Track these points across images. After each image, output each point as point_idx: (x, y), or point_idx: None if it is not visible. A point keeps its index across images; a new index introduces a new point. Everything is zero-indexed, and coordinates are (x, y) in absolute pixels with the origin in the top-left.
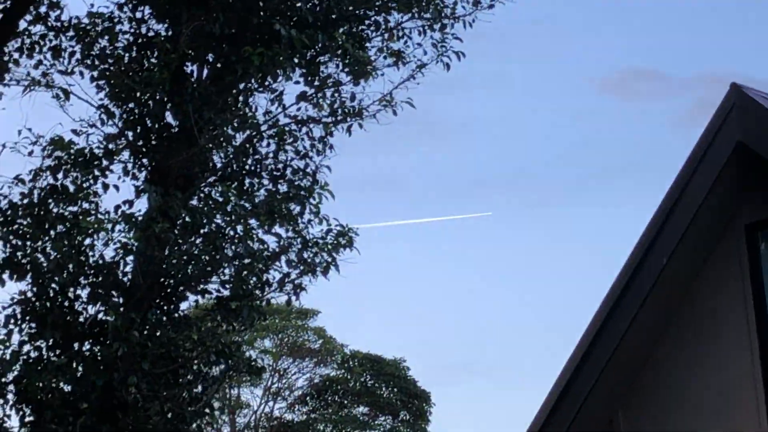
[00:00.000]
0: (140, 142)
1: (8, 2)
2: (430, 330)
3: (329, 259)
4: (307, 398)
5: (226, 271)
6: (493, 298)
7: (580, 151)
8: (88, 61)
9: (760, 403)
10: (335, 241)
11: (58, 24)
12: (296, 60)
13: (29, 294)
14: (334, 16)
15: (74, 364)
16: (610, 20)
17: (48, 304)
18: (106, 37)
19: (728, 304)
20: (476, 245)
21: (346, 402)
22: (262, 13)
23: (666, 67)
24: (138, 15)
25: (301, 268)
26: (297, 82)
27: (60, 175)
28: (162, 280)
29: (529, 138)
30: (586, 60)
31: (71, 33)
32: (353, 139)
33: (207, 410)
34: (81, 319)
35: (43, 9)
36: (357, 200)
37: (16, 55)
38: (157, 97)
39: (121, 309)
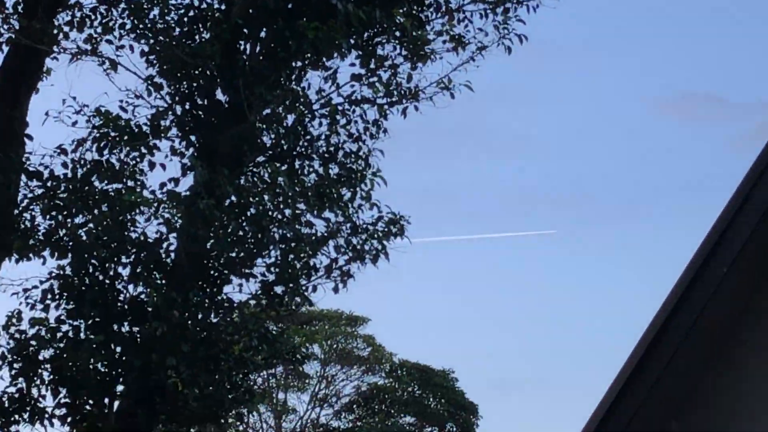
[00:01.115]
0: (188, 118)
1: None
2: (481, 344)
3: (379, 247)
4: (354, 406)
5: (272, 254)
6: (547, 315)
7: (637, 169)
8: (139, 32)
9: None
10: (386, 229)
11: None
12: (352, 40)
13: (68, 269)
14: None
15: (112, 344)
16: (668, 42)
17: (87, 280)
18: (157, 8)
19: None
20: (533, 262)
21: (393, 411)
22: None
23: (725, 92)
24: None
25: (350, 254)
26: (353, 64)
27: (105, 151)
28: (205, 261)
29: (586, 155)
30: (643, 79)
31: (123, 5)
32: (408, 150)
33: (247, 397)
34: (120, 298)
35: None
36: (414, 212)
37: (66, 29)
38: (208, 72)
39: (163, 289)
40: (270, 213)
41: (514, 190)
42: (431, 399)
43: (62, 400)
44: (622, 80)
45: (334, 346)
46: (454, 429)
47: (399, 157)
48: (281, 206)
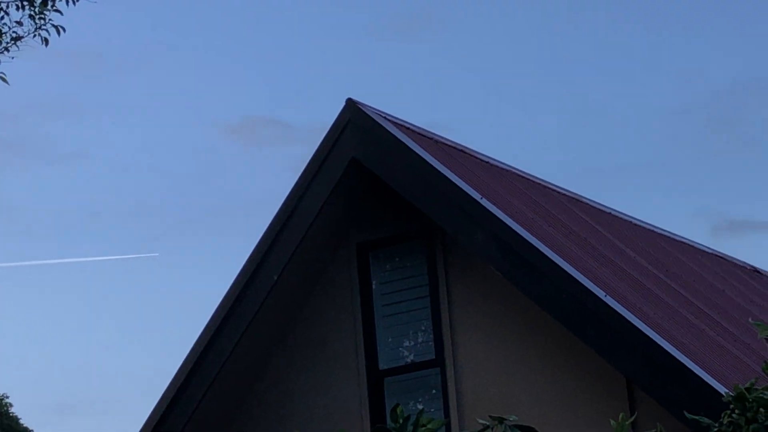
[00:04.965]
0: None
1: None
2: (37, 369)
3: None
4: None
5: None
6: (108, 338)
7: (199, 190)
8: None
9: (365, 424)
10: None
11: None
12: None
13: None
14: None
15: None
16: (232, 65)
17: None
18: None
19: (339, 324)
20: (96, 286)
21: None
22: None
23: (288, 117)
24: None
25: None
26: None
27: None
28: None
29: (147, 173)
30: (207, 101)
31: None
32: None
33: None
34: None
35: None
36: None
37: None
38: None
39: None
40: None
41: (80, 209)
42: None
43: None
44: (185, 100)
45: None
46: None
47: None
48: None
